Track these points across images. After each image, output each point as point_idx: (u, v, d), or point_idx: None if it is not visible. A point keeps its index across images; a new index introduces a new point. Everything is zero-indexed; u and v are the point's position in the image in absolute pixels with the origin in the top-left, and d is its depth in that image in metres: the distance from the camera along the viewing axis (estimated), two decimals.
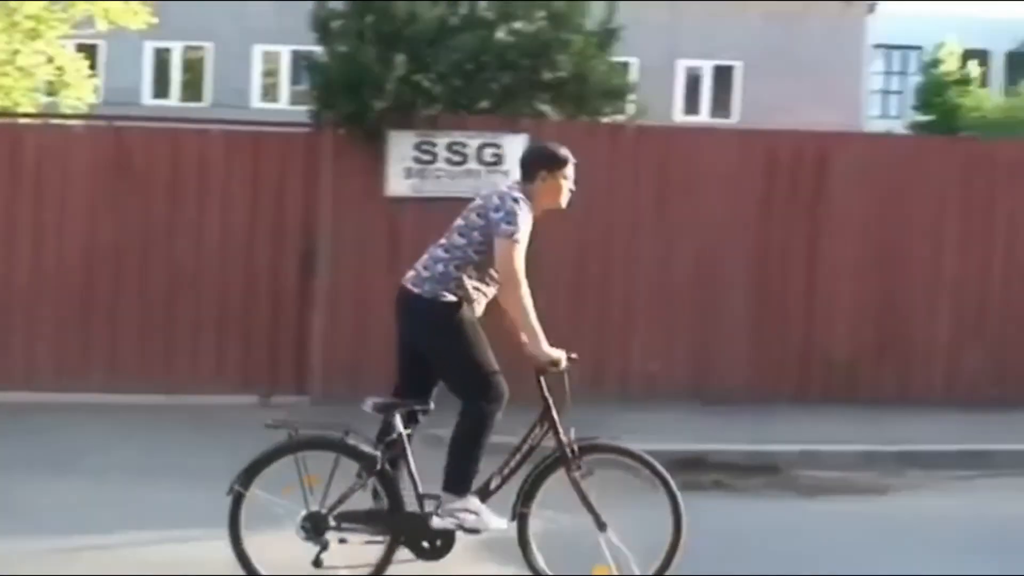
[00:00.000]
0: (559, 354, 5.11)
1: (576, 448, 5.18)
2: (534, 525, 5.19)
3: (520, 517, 5.17)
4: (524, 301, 5.07)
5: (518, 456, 5.25)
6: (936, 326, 9.80)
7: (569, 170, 5.39)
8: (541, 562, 5.21)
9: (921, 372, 9.73)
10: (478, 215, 5.18)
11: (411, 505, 5.15)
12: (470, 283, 5.19)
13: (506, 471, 5.22)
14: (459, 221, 5.25)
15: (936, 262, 9.78)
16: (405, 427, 5.16)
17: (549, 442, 5.21)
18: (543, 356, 5.08)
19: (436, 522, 5.10)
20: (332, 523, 5.05)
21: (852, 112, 23.18)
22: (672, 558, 5.16)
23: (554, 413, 5.19)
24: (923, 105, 27.04)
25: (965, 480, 7.88)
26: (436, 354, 5.24)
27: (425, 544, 5.15)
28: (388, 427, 5.15)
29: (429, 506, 5.16)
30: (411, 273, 5.26)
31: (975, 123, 22.91)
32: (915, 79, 29.43)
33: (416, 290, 5.17)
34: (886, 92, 32.04)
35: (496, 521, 5.15)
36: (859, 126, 22.50)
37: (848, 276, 9.55)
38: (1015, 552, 6.26)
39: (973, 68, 26.77)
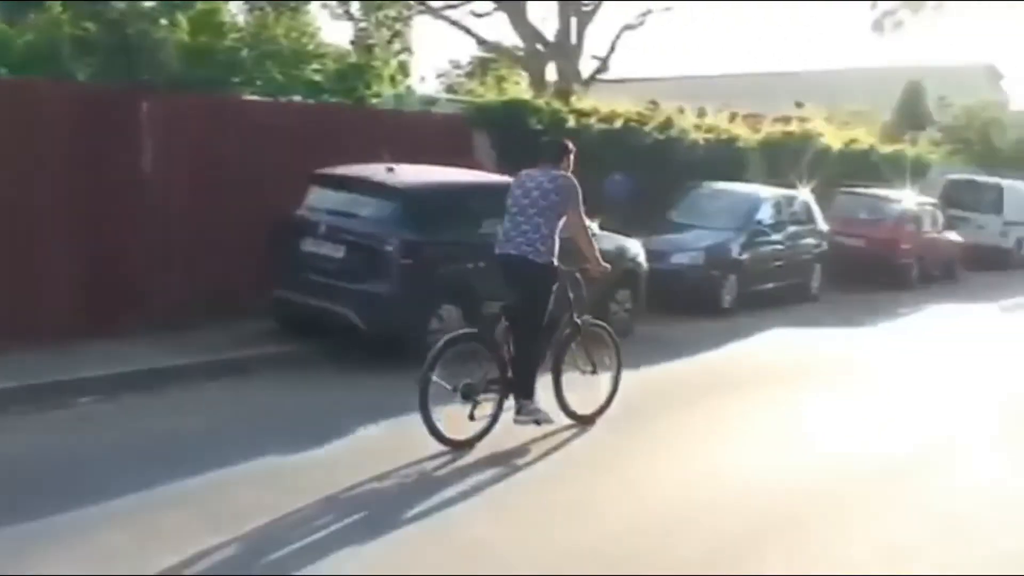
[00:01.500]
0: (607, 266, 8.52)
1: (584, 326, 8.65)
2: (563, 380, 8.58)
3: (556, 374, 8.52)
4: (592, 241, 8.32)
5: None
6: None
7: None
8: (570, 401, 8.63)
9: None
10: (555, 194, 7.92)
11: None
12: (557, 241, 7.94)
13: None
14: (542, 201, 7.88)
15: None
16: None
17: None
18: (604, 269, 8.43)
19: (517, 418, 8.03)
20: (480, 388, 7.88)
21: None
22: (618, 379, 9.04)
23: (574, 307, 8.48)
24: None
25: None
26: (531, 301, 7.92)
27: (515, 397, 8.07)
28: (494, 324, 8.03)
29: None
30: (525, 247, 7.83)
31: None
32: None
33: (539, 260, 7.84)
34: None
35: (552, 417, 8.29)
36: None
37: None
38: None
39: None
